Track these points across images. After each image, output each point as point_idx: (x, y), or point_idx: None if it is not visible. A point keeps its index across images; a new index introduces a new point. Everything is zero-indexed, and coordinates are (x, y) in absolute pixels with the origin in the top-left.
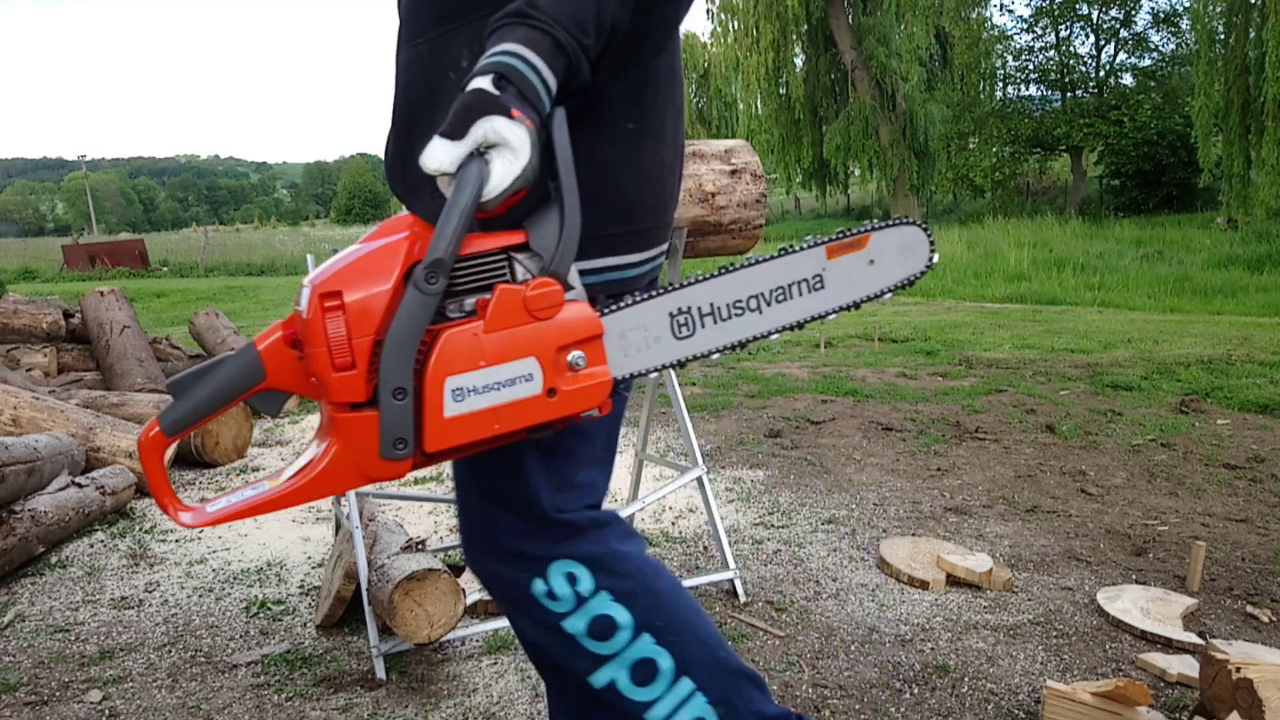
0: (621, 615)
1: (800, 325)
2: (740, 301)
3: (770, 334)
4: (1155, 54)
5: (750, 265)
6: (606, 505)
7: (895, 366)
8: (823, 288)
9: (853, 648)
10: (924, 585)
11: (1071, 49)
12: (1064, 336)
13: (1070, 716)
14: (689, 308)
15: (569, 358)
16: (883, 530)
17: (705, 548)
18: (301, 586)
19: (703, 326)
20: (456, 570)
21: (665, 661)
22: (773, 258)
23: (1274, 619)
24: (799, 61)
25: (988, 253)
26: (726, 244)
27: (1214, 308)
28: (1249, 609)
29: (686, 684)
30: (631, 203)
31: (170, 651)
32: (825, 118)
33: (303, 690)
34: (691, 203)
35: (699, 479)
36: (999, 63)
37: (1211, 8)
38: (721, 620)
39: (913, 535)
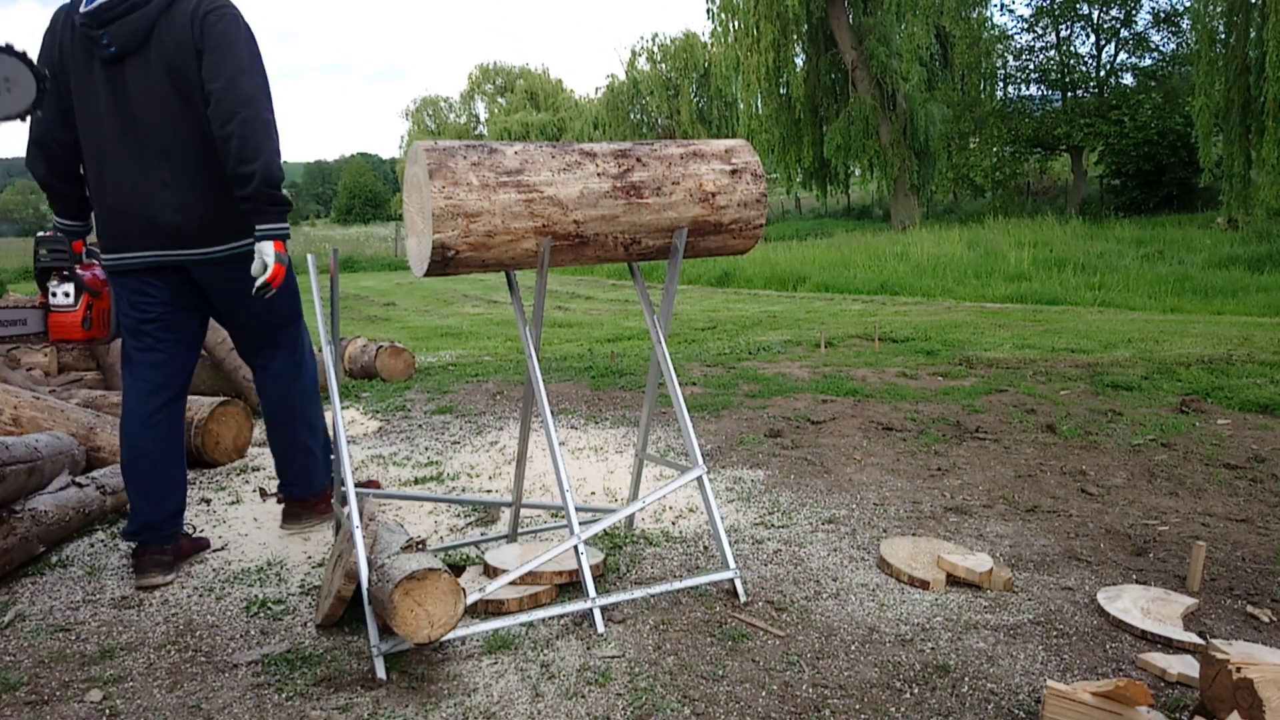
0: None
1: None
2: None
3: None
4: (1156, 54)
5: None
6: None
7: (896, 366)
8: None
9: (853, 647)
10: (924, 585)
11: (1072, 49)
12: (1064, 336)
13: (1070, 716)
14: None
15: None
16: (883, 530)
17: (705, 547)
18: (302, 586)
19: None
20: (457, 570)
21: None
22: None
23: (1274, 619)
24: (799, 61)
25: (988, 252)
26: (727, 243)
27: (1214, 308)
28: (1249, 609)
29: None
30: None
31: (170, 651)
32: (826, 117)
33: (303, 690)
34: (691, 202)
35: (699, 479)
36: (999, 62)
37: (1212, 7)
38: (722, 619)
39: (913, 535)
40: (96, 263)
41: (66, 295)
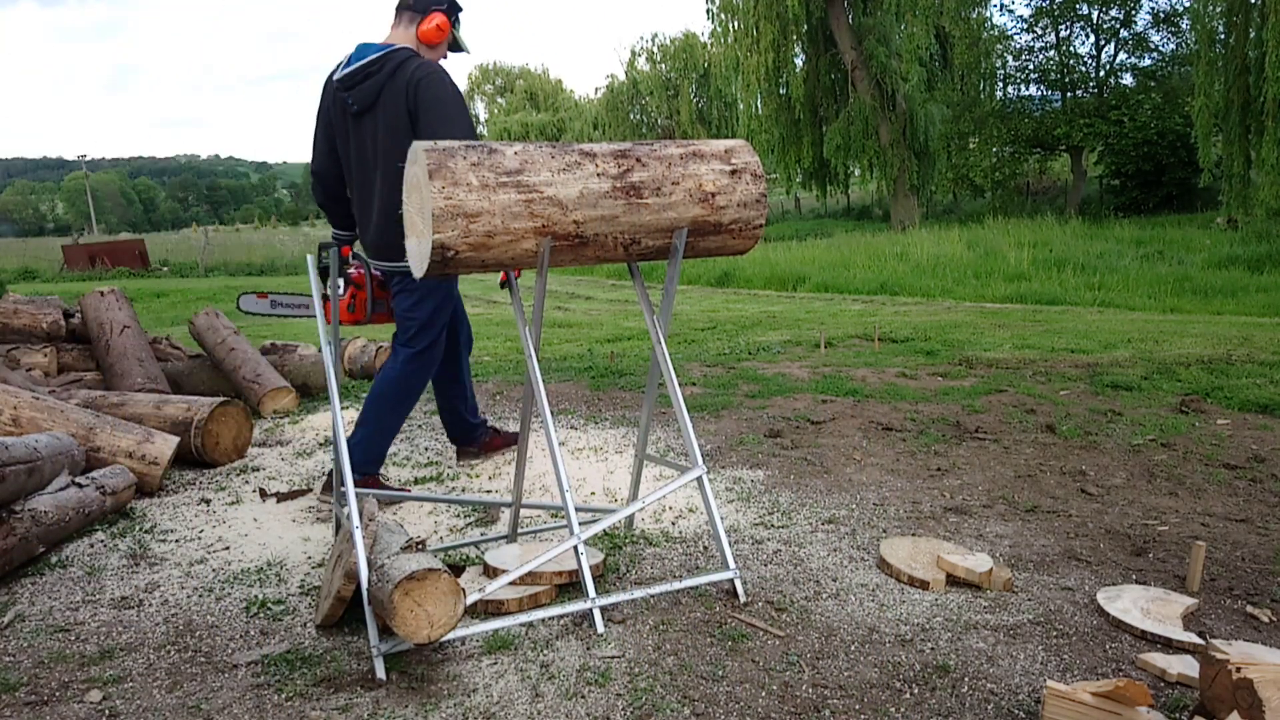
0: None
1: None
2: None
3: None
4: (1155, 54)
5: None
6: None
7: (895, 366)
8: None
9: (853, 648)
10: (924, 585)
11: (1071, 49)
12: (1064, 336)
13: (1070, 716)
14: None
15: None
16: (883, 530)
17: (705, 548)
18: (301, 586)
19: None
20: (456, 570)
21: None
22: None
23: (1274, 619)
24: (799, 61)
25: (988, 253)
26: (726, 244)
27: (1214, 308)
28: (1249, 609)
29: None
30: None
31: (170, 651)
32: (825, 118)
33: (303, 690)
34: (691, 203)
35: (699, 479)
36: (999, 63)
37: (1211, 8)
38: (722, 620)
39: (913, 535)
40: (359, 263)
41: (338, 288)
